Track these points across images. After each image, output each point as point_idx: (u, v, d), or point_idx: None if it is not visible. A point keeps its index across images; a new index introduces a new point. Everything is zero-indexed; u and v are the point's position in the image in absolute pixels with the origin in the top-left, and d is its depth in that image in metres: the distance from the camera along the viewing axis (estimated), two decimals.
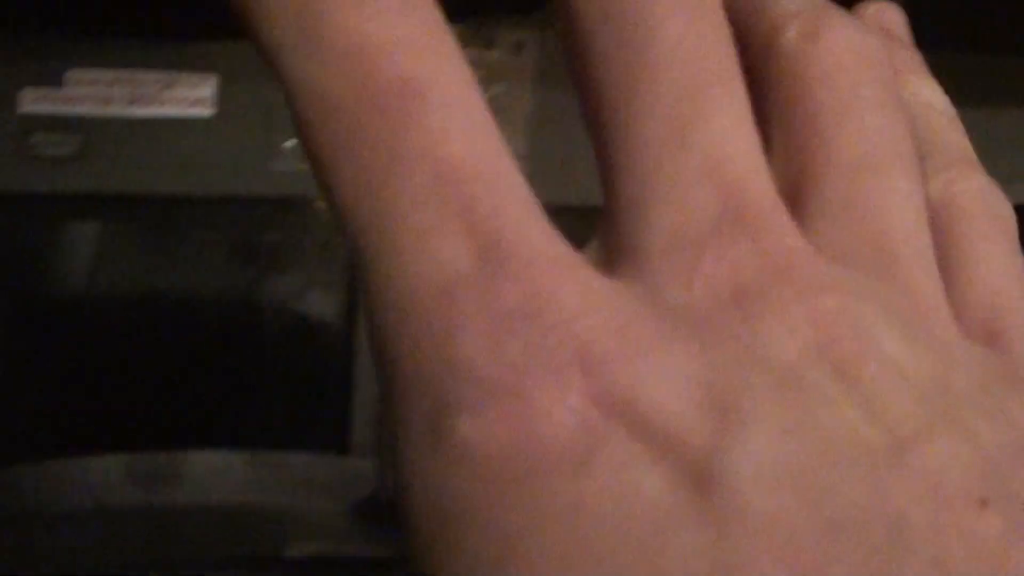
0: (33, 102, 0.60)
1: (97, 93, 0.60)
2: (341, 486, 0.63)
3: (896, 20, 0.27)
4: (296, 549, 0.60)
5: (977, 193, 0.23)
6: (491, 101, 0.67)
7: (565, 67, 0.20)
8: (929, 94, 0.27)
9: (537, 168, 0.69)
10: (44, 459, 0.61)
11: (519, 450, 0.17)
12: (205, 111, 0.62)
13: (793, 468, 0.17)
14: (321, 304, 0.69)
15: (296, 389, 0.68)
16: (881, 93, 0.21)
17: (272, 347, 0.68)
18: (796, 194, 0.21)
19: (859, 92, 0.21)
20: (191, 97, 0.62)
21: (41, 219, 0.66)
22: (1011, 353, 0.21)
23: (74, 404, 0.66)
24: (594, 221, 0.22)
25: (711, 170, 0.19)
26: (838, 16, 0.21)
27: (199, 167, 0.63)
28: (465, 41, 0.66)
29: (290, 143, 0.63)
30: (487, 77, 0.66)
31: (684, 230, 0.19)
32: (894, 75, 0.21)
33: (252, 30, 0.19)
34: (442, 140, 0.18)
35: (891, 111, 0.21)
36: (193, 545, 0.60)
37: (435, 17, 0.19)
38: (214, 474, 0.62)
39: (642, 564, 0.16)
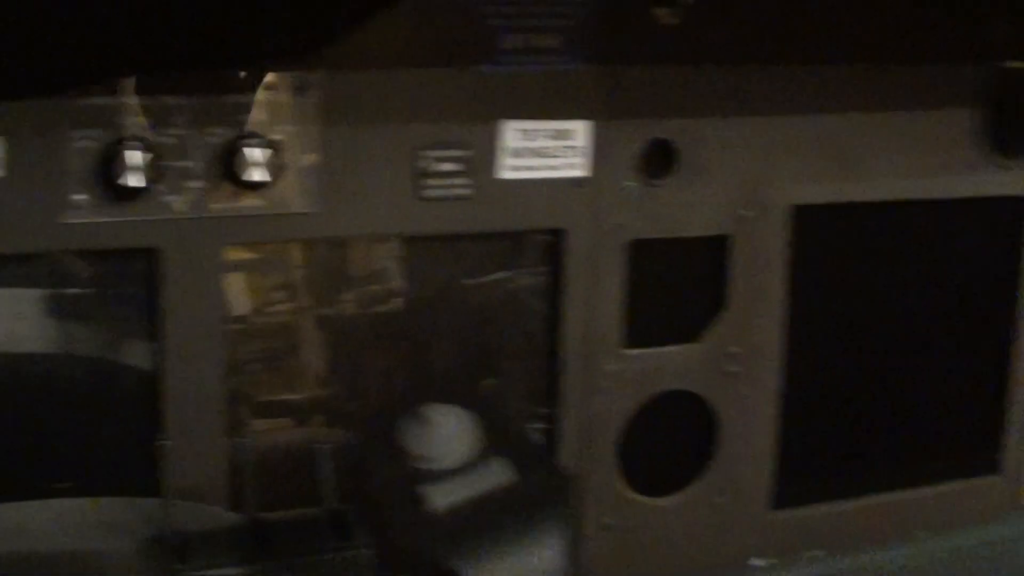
0: None
1: None
2: (134, 526, 0.64)
3: None
4: None
5: None
6: (280, 142, 0.69)
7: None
8: None
9: (327, 202, 0.72)
10: None
11: None
12: None
13: None
14: (129, 353, 0.70)
15: (106, 435, 0.69)
16: None
17: (82, 396, 0.69)
18: None
19: None
20: None
21: None
22: None
23: None
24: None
25: None
26: None
27: None
28: (250, 85, 0.68)
29: (81, 196, 0.65)
30: (273, 120, 0.68)
31: None
32: None
33: None
34: None
35: None
36: None
37: None
38: (16, 524, 0.63)
39: None
